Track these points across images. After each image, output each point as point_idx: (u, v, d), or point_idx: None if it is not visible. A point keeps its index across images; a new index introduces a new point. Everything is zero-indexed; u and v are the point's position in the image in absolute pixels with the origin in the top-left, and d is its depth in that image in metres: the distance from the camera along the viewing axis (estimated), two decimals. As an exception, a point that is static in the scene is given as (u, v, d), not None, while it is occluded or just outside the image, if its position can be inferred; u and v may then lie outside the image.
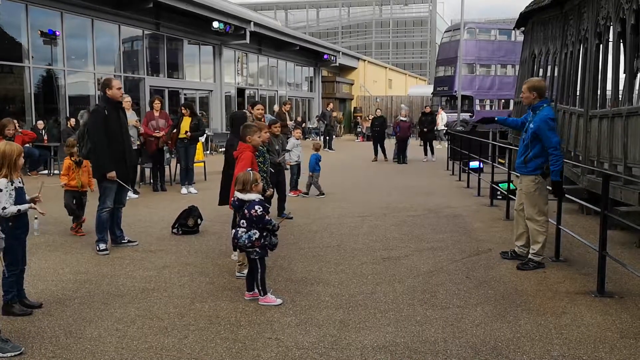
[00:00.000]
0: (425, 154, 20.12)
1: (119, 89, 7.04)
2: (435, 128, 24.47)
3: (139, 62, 20.72)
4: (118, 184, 6.98)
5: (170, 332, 4.48)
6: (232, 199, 5.34)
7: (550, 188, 6.40)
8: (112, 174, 6.83)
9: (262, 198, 5.24)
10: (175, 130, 11.68)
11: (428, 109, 21.78)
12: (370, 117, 27.40)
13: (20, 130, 8.45)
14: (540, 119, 6.22)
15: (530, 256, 6.39)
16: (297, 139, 11.28)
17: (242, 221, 5.13)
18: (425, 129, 20.60)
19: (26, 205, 4.75)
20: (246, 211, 5.08)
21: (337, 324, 4.69)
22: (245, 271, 5.65)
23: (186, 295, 5.39)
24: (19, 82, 16.14)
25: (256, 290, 5.20)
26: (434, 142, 21.45)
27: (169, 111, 18.17)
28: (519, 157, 6.49)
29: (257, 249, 5.09)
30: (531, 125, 6.31)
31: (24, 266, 5.01)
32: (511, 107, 23.56)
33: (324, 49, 35.14)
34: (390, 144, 20.55)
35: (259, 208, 5.04)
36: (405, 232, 8.24)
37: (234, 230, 5.25)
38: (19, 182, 4.85)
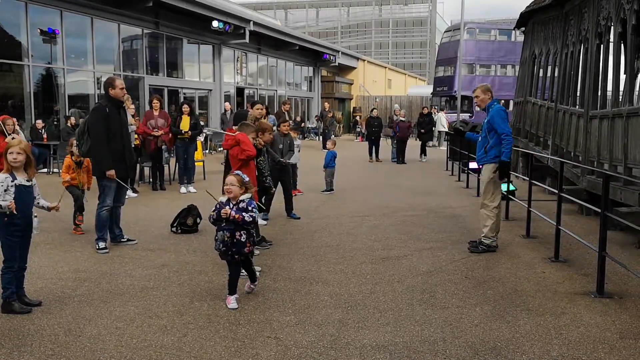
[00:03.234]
0: (424, 154, 20.11)
1: (122, 88, 7.04)
2: (434, 129, 24.47)
3: (139, 61, 20.70)
4: (117, 183, 6.98)
5: (169, 331, 4.47)
6: None
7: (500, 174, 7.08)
8: (112, 172, 6.83)
9: (222, 201, 5.14)
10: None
11: (426, 110, 21.74)
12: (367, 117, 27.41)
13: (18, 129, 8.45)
14: (493, 112, 6.98)
15: (481, 238, 7.07)
16: (297, 140, 11.27)
17: None
18: (422, 130, 20.63)
19: (6, 203, 4.67)
20: None
21: (336, 323, 4.68)
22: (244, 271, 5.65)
23: (185, 293, 5.38)
24: (19, 81, 16.12)
25: (253, 285, 5.36)
26: (429, 143, 21.45)
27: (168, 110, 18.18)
28: (479, 150, 7.20)
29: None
30: (485, 120, 7.11)
31: (24, 264, 5.02)
32: (511, 107, 23.55)
33: (323, 48, 35.11)
34: (385, 144, 20.49)
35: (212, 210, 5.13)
36: (404, 232, 8.24)
37: None
38: (26, 181, 4.86)
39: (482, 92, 7.18)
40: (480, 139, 7.27)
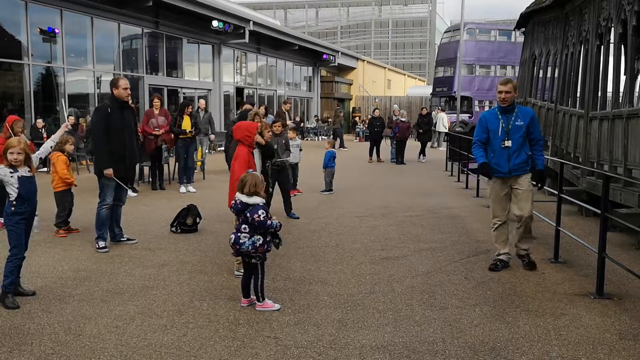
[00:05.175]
0: (424, 155, 20.13)
1: (125, 89, 7.06)
2: (433, 129, 24.48)
3: (138, 60, 20.71)
4: (116, 182, 6.99)
5: (169, 330, 4.47)
6: (233, 201, 5.01)
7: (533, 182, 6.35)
8: (109, 171, 6.84)
9: (265, 202, 5.02)
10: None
11: (425, 111, 21.74)
12: (368, 116, 27.45)
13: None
14: (528, 115, 6.24)
15: (527, 252, 6.37)
16: (292, 139, 11.23)
17: (243, 226, 4.88)
18: (421, 130, 20.67)
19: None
20: (249, 215, 4.85)
21: (336, 323, 4.68)
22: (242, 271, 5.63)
23: (185, 293, 5.38)
24: (19, 80, 16.12)
25: (253, 296, 5.04)
26: (428, 143, 21.52)
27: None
28: (517, 157, 6.17)
29: (260, 254, 4.93)
30: (519, 123, 6.17)
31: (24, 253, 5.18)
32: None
33: (323, 48, 35.14)
34: (385, 144, 20.52)
35: (262, 213, 4.82)
36: (403, 232, 8.24)
37: (232, 236, 4.96)
38: (27, 172, 5.07)
39: (513, 88, 6.25)
40: (508, 142, 6.18)
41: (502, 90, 6.21)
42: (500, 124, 6.22)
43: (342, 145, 25.09)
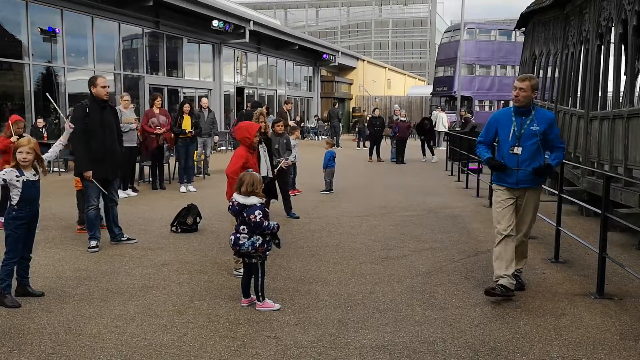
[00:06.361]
0: (424, 154, 20.11)
1: (104, 87, 6.87)
2: (435, 129, 24.47)
3: (139, 60, 20.70)
4: (100, 183, 6.88)
5: (169, 330, 4.47)
6: (230, 202, 5.00)
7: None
8: (88, 173, 6.74)
9: (263, 202, 4.99)
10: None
11: (427, 122, 21.54)
12: (368, 117, 27.47)
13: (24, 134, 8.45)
14: (547, 120, 5.44)
15: (516, 273, 5.50)
16: (295, 140, 11.24)
17: (242, 227, 4.88)
18: (422, 137, 20.70)
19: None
20: (246, 216, 4.85)
21: (336, 323, 4.68)
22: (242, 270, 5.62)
23: (185, 293, 5.38)
24: (19, 79, 16.12)
25: (253, 296, 5.03)
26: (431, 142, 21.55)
27: (168, 109, 18.16)
28: (528, 168, 5.34)
29: (260, 254, 4.92)
30: (534, 128, 5.34)
31: (28, 255, 5.21)
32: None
33: (323, 48, 35.12)
34: (385, 144, 20.50)
35: (259, 214, 4.80)
36: (404, 232, 8.23)
37: (232, 237, 4.95)
38: (33, 175, 5.08)
39: (530, 87, 5.32)
40: (517, 149, 5.37)
41: (517, 86, 5.36)
42: (512, 128, 5.39)
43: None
